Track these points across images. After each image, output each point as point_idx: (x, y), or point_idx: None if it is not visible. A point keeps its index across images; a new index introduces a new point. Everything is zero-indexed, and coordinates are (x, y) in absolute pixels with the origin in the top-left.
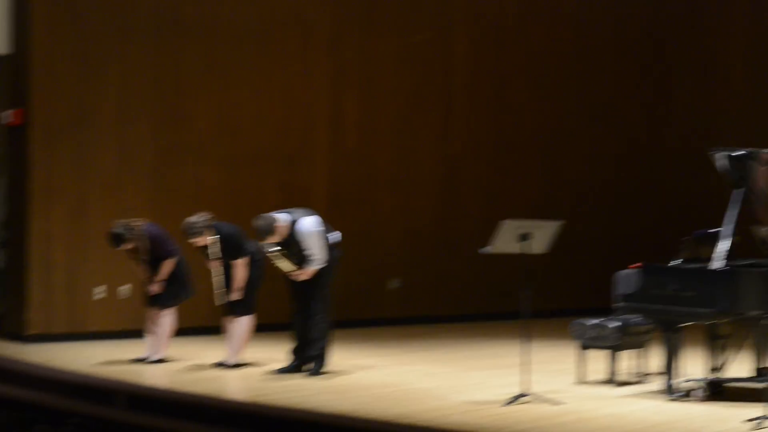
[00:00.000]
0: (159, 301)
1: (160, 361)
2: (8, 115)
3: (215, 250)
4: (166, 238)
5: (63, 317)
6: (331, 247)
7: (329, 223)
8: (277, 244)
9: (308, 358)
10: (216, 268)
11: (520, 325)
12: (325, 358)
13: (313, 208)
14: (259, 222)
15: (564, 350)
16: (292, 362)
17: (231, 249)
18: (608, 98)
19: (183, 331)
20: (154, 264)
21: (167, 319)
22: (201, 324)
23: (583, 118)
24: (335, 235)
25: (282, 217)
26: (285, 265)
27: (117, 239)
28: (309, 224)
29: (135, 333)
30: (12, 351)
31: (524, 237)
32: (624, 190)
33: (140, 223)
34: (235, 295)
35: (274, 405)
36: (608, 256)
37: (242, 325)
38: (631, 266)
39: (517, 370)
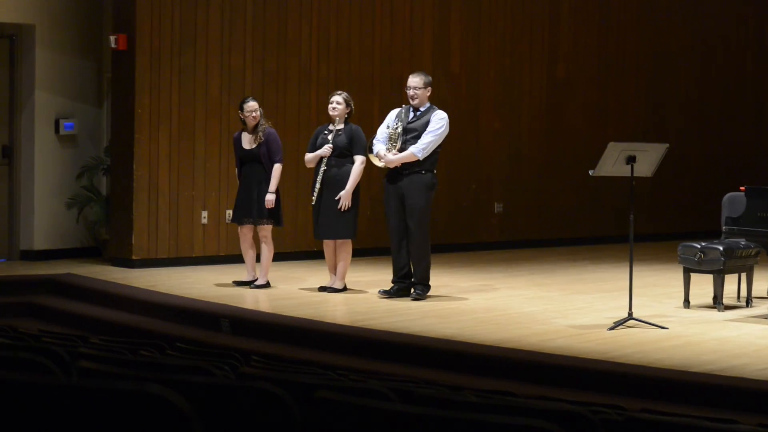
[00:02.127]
0: (266, 214)
1: (265, 285)
2: (114, 41)
3: (339, 135)
4: (280, 146)
5: (168, 242)
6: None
7: None
8: (404, 121)
9: (412, 284)
10: (327, 157)
11: (626, 248)
12: (428, 282)
13: None
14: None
15: (670, 274)
16: (393, 287)
17: (356, 141)
18: (714, 20)
19: (287, 255)
20: (258, 171)
21: (270, 243)
22: (305, 249)
23: (688, 39)
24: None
25: (427, 102)
26: (381, 148)
27: (249, 98)
28: (444, 118)
29: (239, 258)
30: (117, 276)
31: (630, 159)
32: (733, 111)
33: (270, 123)
34: (346, 196)
35: (378, 329)
36: (716, 179)
37: (346, 249)
38: (741, 189)
39: (623, 294)
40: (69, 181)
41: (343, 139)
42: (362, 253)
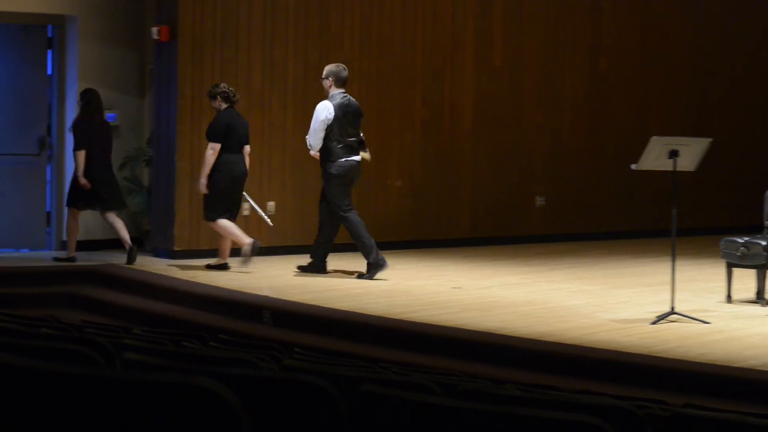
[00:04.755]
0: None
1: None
2: (156, 32)
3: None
4: (86, 130)
5: (209, 234)
6: (346, 162)
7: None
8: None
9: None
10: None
11: (667, 242)
12: (373, 262)
13: (459, 125)
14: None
15: (711, 269)
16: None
17: (209, 130)
18: (759, 13)
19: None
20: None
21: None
22: (343, 241)
23: (732, 33)
24: (354, 158)
25: (332, 91)
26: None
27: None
28: (320, 106)
29: (281, 249)
30: (159, 267)
31: (673, 154)
32: None
33: (99, 119)
34: (202, 183)
35: (419, 321)
36: (759, 174)
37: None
38: None
39: (664, 288)
40: None
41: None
42: (403, 245)
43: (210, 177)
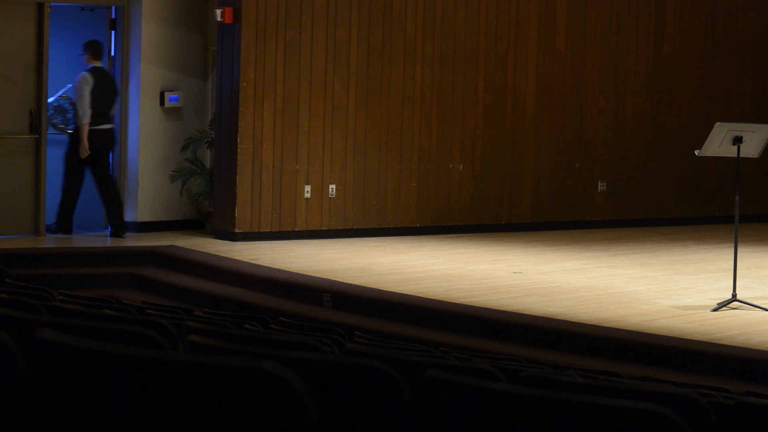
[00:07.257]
0: None
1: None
2: (220, 14)
3: None
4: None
5: (271, 216)
6: (93, 131)
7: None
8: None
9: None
10: None
11: (729, 229)
12: (62, 223)
13: (521, 110)
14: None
15: None
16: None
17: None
18: None
19: (390, 231)
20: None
21: None
22: (407, 224)
23: None
24: (103, 126)
25: (89, 64)
26: None
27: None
28: (80, 77)
29: (342, 233)
30: (220, 249)
31: (737, 140)
32: None
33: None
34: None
35: (480, 306)
36: None
37: None
38: None
39: (726, 275)
40: (173, 153)
41: None
42: (465, 230)
43: None
